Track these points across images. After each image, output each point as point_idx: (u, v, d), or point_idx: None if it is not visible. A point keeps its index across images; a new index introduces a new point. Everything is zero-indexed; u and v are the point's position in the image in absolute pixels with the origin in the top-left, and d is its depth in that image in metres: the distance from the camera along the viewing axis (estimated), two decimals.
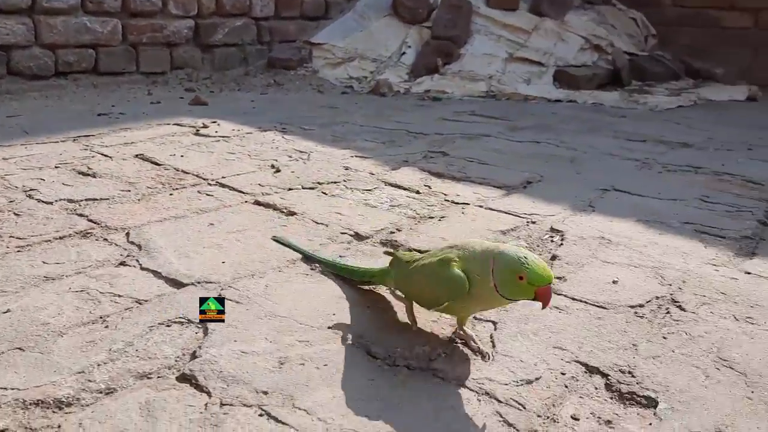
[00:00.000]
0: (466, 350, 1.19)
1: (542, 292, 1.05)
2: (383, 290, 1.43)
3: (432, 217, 1.94)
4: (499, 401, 1.06)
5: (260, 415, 0.98)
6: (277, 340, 1.18)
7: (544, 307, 1.07)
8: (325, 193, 2.11)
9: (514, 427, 0.99)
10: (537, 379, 1.12)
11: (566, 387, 1.11)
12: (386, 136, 3.06)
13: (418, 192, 2.18)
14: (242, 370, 1.08)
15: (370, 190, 2.17)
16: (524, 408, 1.04)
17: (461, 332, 1.23)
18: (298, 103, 3.98)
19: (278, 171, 2.31)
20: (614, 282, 1.53)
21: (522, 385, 1.10)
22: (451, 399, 1.05)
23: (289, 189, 2.13)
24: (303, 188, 2.16)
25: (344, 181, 2.26)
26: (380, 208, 1.99)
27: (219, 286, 1.40)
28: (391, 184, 2.25)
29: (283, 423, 0.96)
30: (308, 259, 1.57)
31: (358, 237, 1.74)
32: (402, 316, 1.31)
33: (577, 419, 1.02)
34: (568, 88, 4.78)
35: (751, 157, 2.96)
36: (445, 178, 2.38)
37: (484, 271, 1.09)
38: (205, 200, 1.98)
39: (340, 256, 1.60)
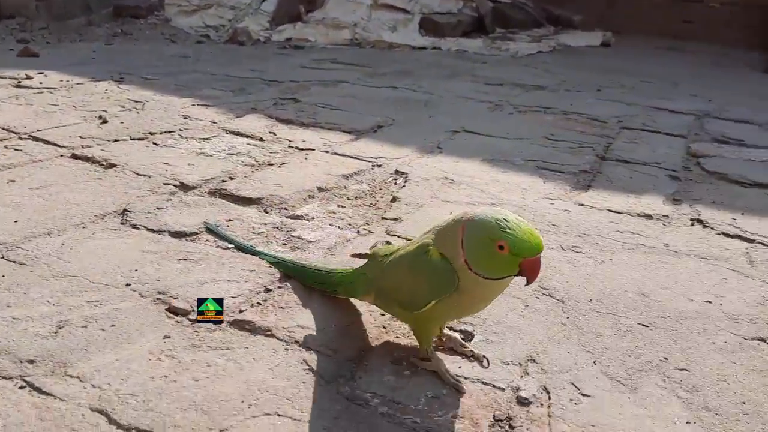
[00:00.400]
0: (288, 301, 1.11)
1: (529, 265, 0.81)
2: (203, 243, 1.31)
3: (272, 164, 1.82)
4: (309, 349, 0.98)
5: (21, 387, 0.84)
6: (61, 302, 1.04)
7: (529, 283, 0.83)
8: (156, 144, 1.93)
9: (319, 374, 0.92)
10: (350, 324, 1.05)
11: (384, 328, 1.05)
12: (237, 84, 2.88)
13: (261, 139, 2.05)
14: (9, 339, 0.93)
15: (207, 138, 2.01)
16: (335, 353, 0.97)
17: (442, 337, 1.00)
18: (146, 53, 3.68)
19: (105, 122, 2.10)
20: None
21: (335, 330, 1.03)
22: (255, 351, 0.96)
23: (115, 140, 1.93)
24: (131, 139, 1.96)
25: (180, 130, 2.08)
26: (216, 157, 1.85)
27: (4, 247, 1.22)
28: (232, 132, 2.10)
29: (48, 394, 0.83)
30: (249, 253, 1.27)
31: (184, 187, 1.60)
32: (216, 266, 1.20)
33: (393, 363, 0.97)
34: (434, 35, 4.75)
35: (599, 98, 3.05)
36: (293, 125, 2.26)
37: (453, 246, 0.84)
38: (11, 155, 1.75)
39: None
